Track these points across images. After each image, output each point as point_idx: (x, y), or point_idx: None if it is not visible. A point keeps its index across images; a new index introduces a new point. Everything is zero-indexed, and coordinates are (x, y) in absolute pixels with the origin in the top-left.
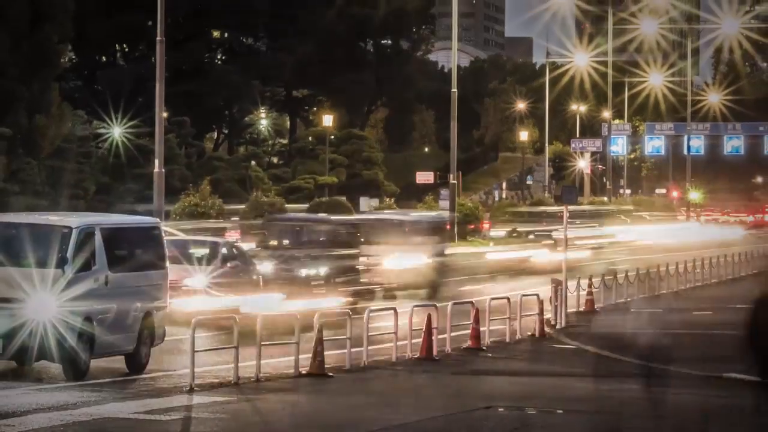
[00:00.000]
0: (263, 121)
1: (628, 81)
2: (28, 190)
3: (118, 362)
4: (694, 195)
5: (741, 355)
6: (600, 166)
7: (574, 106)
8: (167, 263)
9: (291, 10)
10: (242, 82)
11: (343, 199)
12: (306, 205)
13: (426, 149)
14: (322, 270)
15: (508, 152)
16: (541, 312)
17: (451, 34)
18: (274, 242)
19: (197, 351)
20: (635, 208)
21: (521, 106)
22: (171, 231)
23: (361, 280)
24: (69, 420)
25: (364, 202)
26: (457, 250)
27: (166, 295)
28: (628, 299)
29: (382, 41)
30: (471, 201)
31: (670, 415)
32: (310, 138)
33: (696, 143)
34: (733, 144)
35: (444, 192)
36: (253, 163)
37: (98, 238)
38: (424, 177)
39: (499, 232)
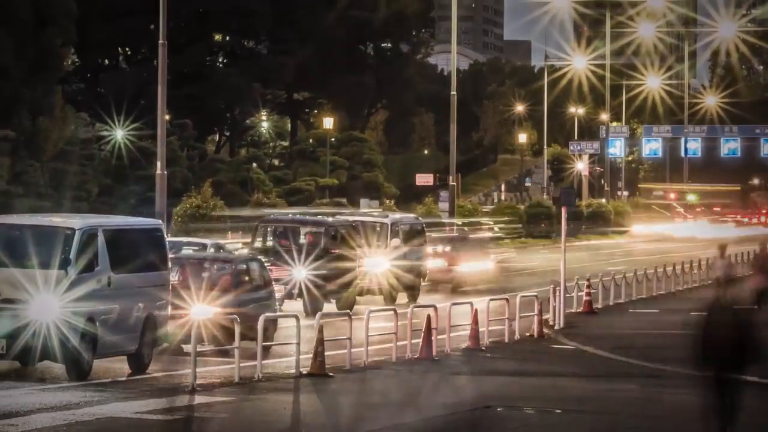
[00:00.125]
0: (264, 123)
1: (626, 84)
2: (31, 192)
3: (121, 362)
4: (691, 197)
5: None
6: (598, 168)
7: (572, 109)
8: (169, 264)
9: (292, 14)
10: (243, 85)
11: (344, 200)
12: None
13: (426, 151)
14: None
15: (506, 154)
16: (540, 313)
17: (451, 38)
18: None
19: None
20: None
21: (520, 108)
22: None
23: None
24: (72, 420)
25: (365, 204)
26: None
27: (168, 296)
28: (626, 300)
29: (382, 44)
30: (470, 203)
31: (667, 415)
32: (310, 140)
33: (693, 146)
34: (730, 146)
35: (443, 194)
36: (254, 165)
37: (101, 239)
38: (424, 179)
39: None
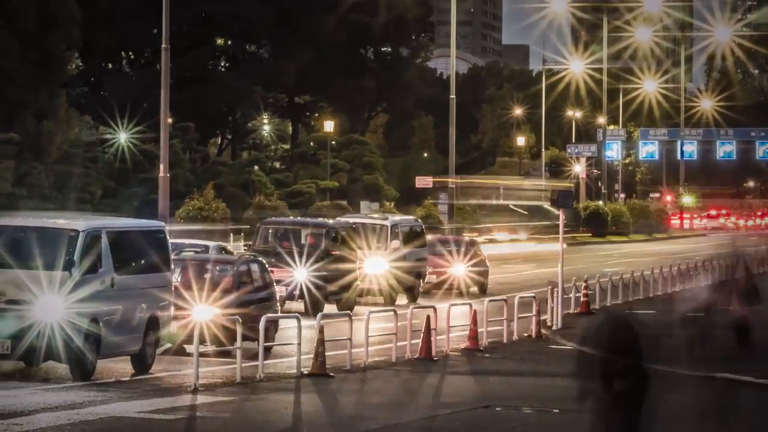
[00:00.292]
0: (266, 126)
1: (623, 87)
2: (35, 194)
3: (124, 363)
4: (687, 199)
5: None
6: (595, 171)
7: (570, 112)
8: (172, 265)
9: (293, 19)
10: (245, 89)
11: (344, 202)
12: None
13: (425, 154)
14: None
15: (505, 157)
16: (538, 313)
17: (450, 42)
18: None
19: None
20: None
21: (518, 111)
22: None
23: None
24: (76, 419)
25: (365, 206)
26: None
27: (170, 297)
28: (623, 301)
29: (382, 49)
30: (469, 205)
31: (664, 415)
32: (311, 143)
33: (689, 148)
34: (726, 149)
35: (443, 196)
36: (255, 167)
37: (104, 241)
38: (424, 181)
39: None
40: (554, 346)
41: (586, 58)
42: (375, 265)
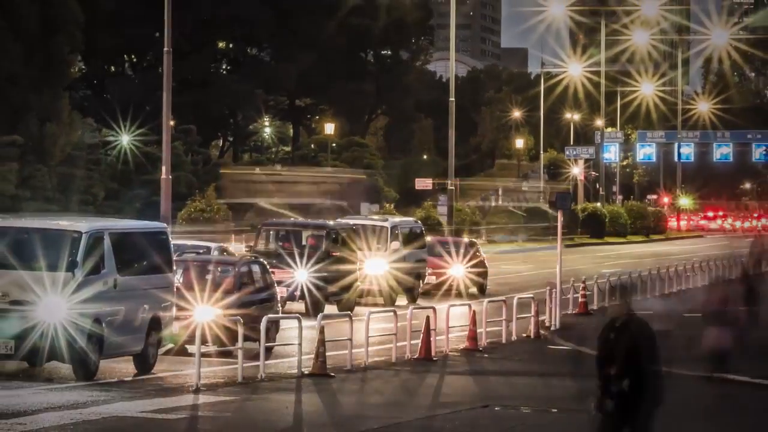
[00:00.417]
0: (267, 129)
1: (621, 90)
2: (39, 195)
3: (127, 363)
4: (684, 201)
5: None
6: (593, 173)
7: (568, 115)
8: (174, 266)
9: (293, 23)
10: (246, 92)
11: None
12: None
13: (425, 156)
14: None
15: (504, 159)
16: (537, 314)
17: (449, 45)
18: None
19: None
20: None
21: (517, 114)
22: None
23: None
24: (79, 419)
25: (365, 208)
26: None
27: (172, 298)
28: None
29: (382, 52)
30: (468, 206)
31: (661, 414)
32: (312, 145)
33: (686, 151)
34: (722, 151)
35: (442, 198)
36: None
37: (107, 242)
38: (423, 183)
39: None
40: (553, 347)
41: (584, 61)
42: (375, 266)
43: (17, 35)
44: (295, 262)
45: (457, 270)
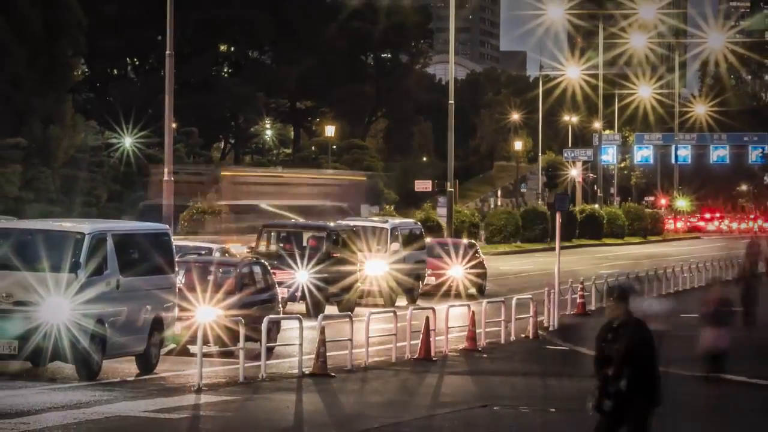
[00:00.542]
0: (268, 131)
1: (618, 93)
2: (42, 197)
3: (129, 363)
4: (682, 203)
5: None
6: (591, 175)
7: (566, 117)
8: (176, 267)
9: (294, 26)
10: (248, 94)
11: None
12: None
13: (424, 158)
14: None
15: (503, 161)
16: (535, 315)
17: (449, 48)
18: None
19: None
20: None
21: (515, 117)
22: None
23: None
24: (82, 418)
25: (365, 210)
26: None
27: (174, 298)
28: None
29: (382, 55)
30: (467, 208)
31: (658, 415)
32: (313, 147)
33: (683, 153)
34: (719, 153)
35: (441, 199)
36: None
37: (110, 243)
38: (423, 185)
39: None
40: (551, 347)
41: (582, 64)
42: (375, 267)
43: (21, 38)
44: (296, 263)
45: (457, 271)
